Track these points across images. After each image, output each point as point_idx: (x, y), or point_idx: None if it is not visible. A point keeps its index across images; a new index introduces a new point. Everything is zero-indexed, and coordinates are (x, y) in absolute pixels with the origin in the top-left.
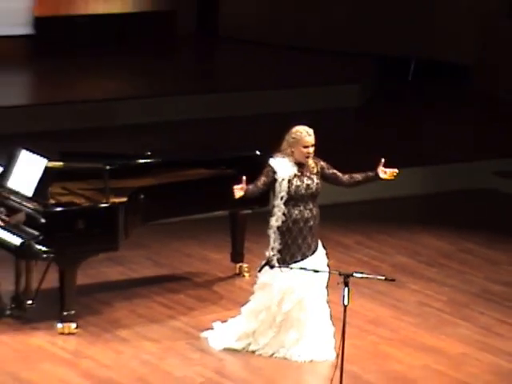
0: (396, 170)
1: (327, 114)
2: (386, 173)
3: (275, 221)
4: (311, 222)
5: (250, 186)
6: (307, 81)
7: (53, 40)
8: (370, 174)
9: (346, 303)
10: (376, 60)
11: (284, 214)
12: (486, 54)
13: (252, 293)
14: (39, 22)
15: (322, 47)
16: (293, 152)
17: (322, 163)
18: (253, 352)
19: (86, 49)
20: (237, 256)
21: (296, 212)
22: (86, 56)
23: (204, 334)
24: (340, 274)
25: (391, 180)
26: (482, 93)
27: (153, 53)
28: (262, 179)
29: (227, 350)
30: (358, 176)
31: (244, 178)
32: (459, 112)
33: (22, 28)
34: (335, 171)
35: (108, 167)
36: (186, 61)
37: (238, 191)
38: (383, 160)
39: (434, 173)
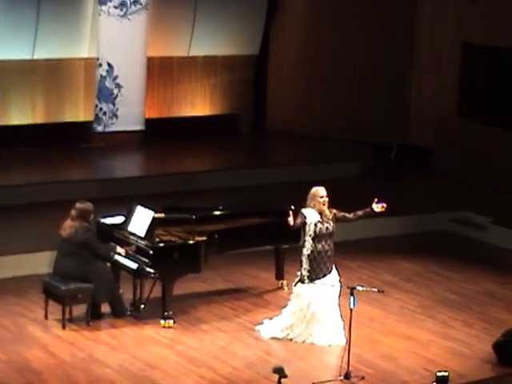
0: (385, 205)
1: (337, 182)
2: (378, 207)
3: (306, 251)
4: (329, 253)
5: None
6: (322, 159)
7: (157, 133)
8: (368, 209)
9: (352, 307)
10: (370, 145)
11: (312, 247)
12: (442, 142)
13: (289, 300)
14: (148, 122)
15: (335, 137)
16: (314, 204)
17: (333, 211)
18: (290, 339)
19: (179, 139)
20: (279, 275)
21: (320, 246)
22: (178, 144)
23: (257, 327)
24: (348, 287)
25: (383, 212)
26: (439, 168)
27: (222, 141)
28: (299, 220)
29: (273, 338)
30: (360, 212)
31: (291, 212)
32: (425, 180)
33: (138, 125)
34: (343, 213)
35: (194, 217)
36: (245, 146)
37: (291, 220)
38: (376, 199)
39: (411, 220)
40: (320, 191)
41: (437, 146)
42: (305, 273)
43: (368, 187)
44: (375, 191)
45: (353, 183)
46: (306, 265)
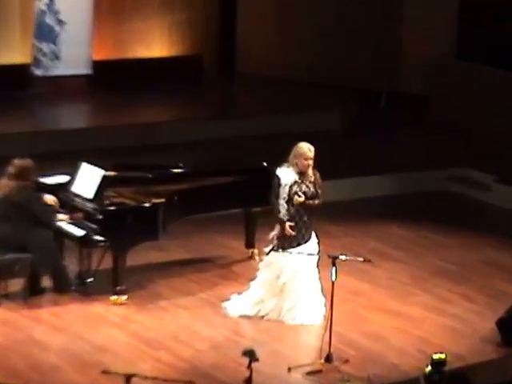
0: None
1: (319, 134)
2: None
3: (282, 216)
4: (305, 218)
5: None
6: (299, 108)
7: (106, 78)
8: None
9: (333, 279)
10: (357, 91)
11: (286, 211)
12: (440, 88)
13: (258, 270)
14: (96, 65)
15: (315, 81)
16: (296, 163)
17: (317, 176)
18: (262, 317)
19: (132, 84)
20: (249, 243)
21: (293, 210)
22: (132, 90)
23: (224, 304)
24: (329, 257)
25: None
26: (437, 119)
27: (183, 87)
28: (278, 193)
29: (242, 315)
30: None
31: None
32: (420, 133)
33: (83, 69)
34: (318, 194)
35: (150, 176)
36: (209, 93)
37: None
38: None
39: (404, 178)
40: (307, 152)
41: (433, 93)
42: (276, 240)
43: (353, 143)
44: (362, 147)
45: (336, 136)
46: (277, 231)
